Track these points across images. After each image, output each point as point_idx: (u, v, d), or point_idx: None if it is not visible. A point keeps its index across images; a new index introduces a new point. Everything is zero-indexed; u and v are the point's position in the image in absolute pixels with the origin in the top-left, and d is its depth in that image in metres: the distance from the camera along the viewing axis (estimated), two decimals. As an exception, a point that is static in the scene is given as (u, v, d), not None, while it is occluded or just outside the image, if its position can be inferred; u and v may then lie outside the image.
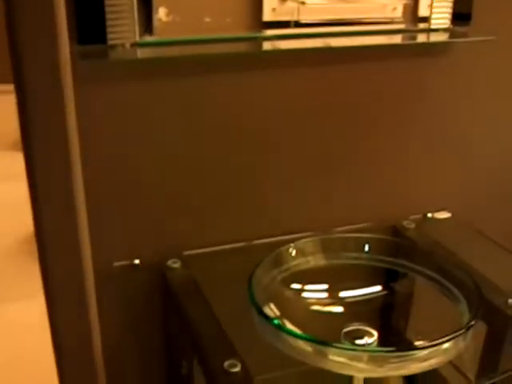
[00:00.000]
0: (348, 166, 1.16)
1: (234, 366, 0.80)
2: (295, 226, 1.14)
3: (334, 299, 1.05)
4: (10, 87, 0.92)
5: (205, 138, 1.03)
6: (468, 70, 1.18)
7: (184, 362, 1.09)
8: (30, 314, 1.89)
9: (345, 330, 0.97)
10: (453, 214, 1.25)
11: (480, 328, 0.98)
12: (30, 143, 0.90)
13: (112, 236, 1.03)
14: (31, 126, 0.89)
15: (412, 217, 1.22)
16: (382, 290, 1.08)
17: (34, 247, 1.02)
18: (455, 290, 0.97)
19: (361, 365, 0.83)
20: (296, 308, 1.03)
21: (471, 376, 0.91)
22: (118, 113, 0.96)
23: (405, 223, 1.19)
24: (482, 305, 0.89)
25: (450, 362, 1.01)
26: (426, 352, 0.82)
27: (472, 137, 1.25)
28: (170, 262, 1.04)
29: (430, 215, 1.24)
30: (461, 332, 0.83)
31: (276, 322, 0.90)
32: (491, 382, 0.89)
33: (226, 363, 0.81)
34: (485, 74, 1.20)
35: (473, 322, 0.86)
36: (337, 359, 0.84)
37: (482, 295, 0.91)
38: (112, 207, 1.01)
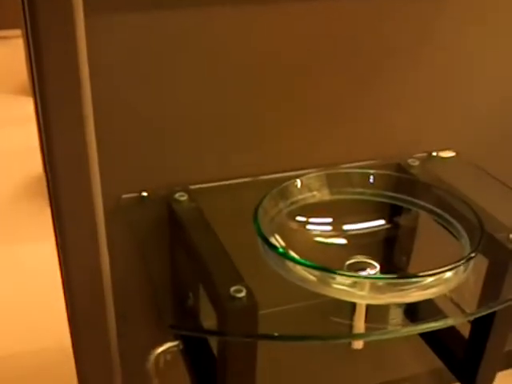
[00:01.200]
0: (354, 104, 1.16)
1: (240, 291, 0.82)
2: (301, 163, 1.16)
3: (338, 232, 1.07)
4: (13, 32, 0.92)
5: (212, 75, 1.03)
6: (471, 10, 1.17)
7: (190, 293, 1.11)
8: (40, 255, 1.92)
9: (348, 262, 0.99)
10: (457, 153, 1.26)
11: (481, 264, 0.99)
12: (41, 77, 0.90)
13: (120, 169, 1.04)
14: (44, 62, 0.90)
15: (417, 155, 1.23)
16: (386, 223, 1.10)
17: (41, 190, 1.04)
18: (458, 225, 0.98)
19: (363, 292, 0.85)
20: (301, 240, 1.05)
21: (469, 310, 0.93)
22: (128, 48, 0.96)
23: (409, 161, 1.20)
24: (483, 237, 0.90)
25: (450, 299, 1.03)
26: (427, 281, 0.85)
27: (477, 76, 1.24)
28: (177, 195, 1.05)
29: (434, 154, 1.25)
30: (462, 262, 0.85)
31: (281, 250, 0.92)
32: (490, 311, 0.91)
33: (232, 289, 0.82)
34: (487, 14, 1.19)
35: (474, 254, 0.88)
36: (340, 286, 0.86)
37: (483, 229, 0.92)
38: (121, 141, 1.02)
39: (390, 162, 1.21)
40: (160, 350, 1.09)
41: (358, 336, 0.96)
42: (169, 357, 1.11)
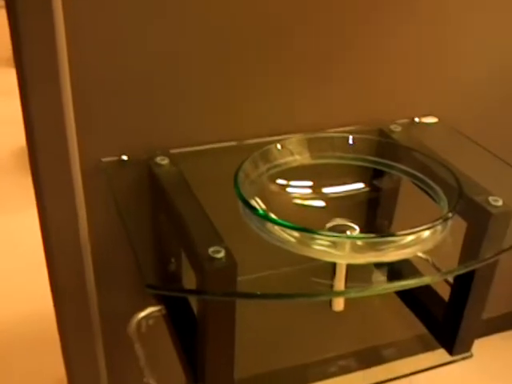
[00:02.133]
0: (336, 69, 1.16)
1: (218, 252, 0.82)
2: (283, 128, 1.15)
3: (319, 195, 1.07)
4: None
5: (191, 35, 1.02)
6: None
7: (173, 258, 1.11)
8: (28, 226, 1.91)
9: (328, 224, 1.00)
10: (440, 119, 1.26)
11: (460, 226, 1.00)
12: (16, 34, 0.90)
13: (100, 132, 1.04)
14: (19, 19, 0.89)
15: (399, 121, 1.23)
16: (366, 187, 1.10)
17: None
18: (437, 188, 0.99)
19: (343, 252, 0.86)
20: (281, 203, 1.05)
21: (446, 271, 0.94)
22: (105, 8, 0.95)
23: (392, 127, 1.20)
24: (461, 198, 0.91)
25: (431, 264, 1.04)
26: (405, 240, 0.86)
27: (460, 42, 1.24)
28: (158, 159, 1.05)
29: (417, 120, 1.25)
30: (439, 222, 0.86)
31: (261, 212, 0.92)
32: (466, 270, 0.92)
33: (211, 249, 0.82)
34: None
35: (451, 214, 0.88)
36: (320, 247, 0.86)
37: (461, 190, 0.93)
38: (100, 103, 1.02)
39: (371, 127, 1.20)
40: (142, 314, 1.09)
41: (337, 294, 0.96)
42: (151, 322, 1.12)
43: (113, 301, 1.20)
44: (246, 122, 1.12)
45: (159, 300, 1.11)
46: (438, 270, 1.09)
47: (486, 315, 1.54)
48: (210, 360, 0.90)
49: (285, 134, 1.13)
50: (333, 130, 1.17)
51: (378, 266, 1.06)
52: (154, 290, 0.80)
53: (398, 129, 1.20)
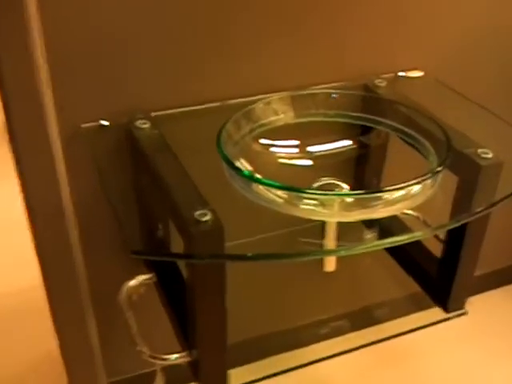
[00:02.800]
0: (319, 24, 1.13)
1: (205, 215, 0.80)
2: (267, 87, 1.13)
3: (305, 154, 1.05)
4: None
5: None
6: None
7: (160, 224, 1.09)
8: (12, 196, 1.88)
9: (316, 184, 0.98)
10: (425, 73, 1.23)
11: (451, 181, 0.98)
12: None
13: (79, 97, 1.01)
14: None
15: (384, 75, 1.20)
16: (353, 144, 1.08)
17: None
18: (425, 142, 0.97)
19: (332, 210, 0.84)
20: (267, 163, 1.03)
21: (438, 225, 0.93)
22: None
23: (376, 82, 1.18)
24: (450, 152, 0.89)
25: (422, 221, 1.02)
26: (394, 196, 0.84)
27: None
28: (138, 123, 1.02)
29: (402, 74, 1.22)
30: (428, 176, 0.84)
31: (246, 172, 0.90)
32: (456, 224, 0.90)
33: (197, 213, 0.80)
34: None
35: (440, 168, 0.86)
36: (308, 206, 0.84)
37: (450, 144, 0.91)
38: (77, 67, 0.98)
39: (356, 83, 1.18)
40: (132, 282, 1.08)
41: (327, 252, 0.95)
42: (143, 289, 1.10)
43: (103, 269, 1.19)
44: (228, 82, 1.10)
45: (150, 267, 1.10)
46: (430, 226, 1.07)
47: (478, 272, 1.56)
48: (201, 326, 0.89)
49: (270, 93, 1.10)
50: (318, 88, 1.14)
51: (369, 225, 1.04)
52: (138, 255, 0.77)
53: (383, 83, 1.17)
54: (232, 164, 0.88)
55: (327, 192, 0.92)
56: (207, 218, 0.80)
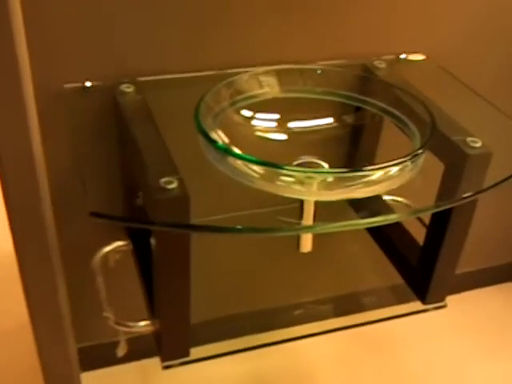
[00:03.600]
0: (321, 0, 1.09)
1: (171, 182, 0.78)
2: (262, 60, 1.09)
3: (287, 130, 1.03)
4: None
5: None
6: None
7: (140, 192, 1.07)
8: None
9: (296, 162, 0.95)
10: (428, 57, 1.19)
11: (438, 167, 0.95)
12: None
13: (63, 57, 0.99)
14: None
15: (384, 57, 1.17)
16: (337, 123, 1.05)
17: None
18: (411, 125, 0.94)
19: (311, 188, 0.82)
20: (246, 137, 1.00)
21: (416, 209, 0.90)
22: None
23: (376, 63, 1.14)
24: (433, 135, 0.86)
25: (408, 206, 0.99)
26: (374, 176, 0.83)
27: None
28: (123, 87, 1.00)
29: (403, 56, 1.18)
30: (408, 158, 0.81)
31: (221, 144, 0.87)
32: (437, 209, 0.89)
33: (163, 180, 0.78)
34: None
35: (421, 151, 0.84)
36: (286, 184, 0.82)
37: (435, 127, 0.88)
38: (64, 25, 0.96)
39: (355, 62, 1.15)
40: (107, 249, 1.07)
41: (301, 229, 0.92)
42: (118, 256, 1.09)
43: (78, 235, 1.17)
44: (220, 52, 1.07)
45: (128, 236, 1.09)
46: (408, 205, 1.04)
47: (461, 270, 1.53)
48: (162, 295, 0.88)
49: (262, 66, 1.07)
50: (315, 65, 1.11)
51: (356, 209, 1.01)
52: (99, 218, 0.76)
53: (383, 65, 1.14)
54: (206, 135, 0.86)
55: (306, 169, 0.89)
56: (173, 185, 0.78)
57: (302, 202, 0.93)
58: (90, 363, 1.37)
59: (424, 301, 1.04)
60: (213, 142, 0.86)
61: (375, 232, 1.15)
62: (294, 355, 1.46)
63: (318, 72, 1.03)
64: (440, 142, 0.93)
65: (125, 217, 0.90)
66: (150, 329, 0.97)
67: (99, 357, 1.36)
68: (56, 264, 1.07)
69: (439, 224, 0.97)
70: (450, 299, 1.14)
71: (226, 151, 0.87)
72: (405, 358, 1.49)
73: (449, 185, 0.94)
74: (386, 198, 1.05)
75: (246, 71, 1.02)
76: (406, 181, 0.86)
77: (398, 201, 1.03)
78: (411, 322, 1.48)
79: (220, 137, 0.91)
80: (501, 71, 1.31)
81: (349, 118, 1.05)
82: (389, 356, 1.49)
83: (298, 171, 0.87)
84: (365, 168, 0.85)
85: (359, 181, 0.85)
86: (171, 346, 0.93)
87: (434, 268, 1.00)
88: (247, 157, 0.86)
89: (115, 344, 1.11)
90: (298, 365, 1.45)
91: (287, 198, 0.87)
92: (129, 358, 1.39)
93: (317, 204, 0.93)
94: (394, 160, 0.83)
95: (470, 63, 1.25)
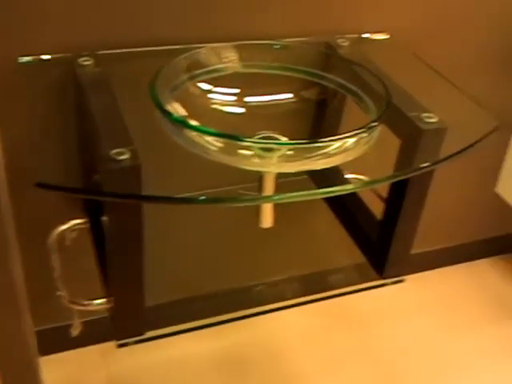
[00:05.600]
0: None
1: (122, 154, 0.78)
2: (223, 36, 1.09)
3: (246, 105, 1.02)
4: None
5: None
6: None
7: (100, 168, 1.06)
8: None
9: (256, 137, 0.95)
10: (391, 36, 1.20)
11: (393, 142, 0.95)
12: None
13: (19, 28, 0.96)
14: None
15: (348, 35, 1.17)
16: (296, 98, 1.05)
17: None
18: (368, 100, 0.94)
19: (270, 160, 0.84)
20: (205, 111, 1.00)
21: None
22: None
23: (339, 41, 1.14)
24: (388, 108, 0.87)
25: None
26: (331, 147, 0.84)
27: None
28: (81, 60, 0.99)
29: (367, 35, 1.18)
30: (363, 130, 0.83)
31: (177, 117, 0.87)
32: (391, 180, 0.92)
33: (114, 151, 0.78)
34: None
35: (375, 123, 0.84)
36: (245, 157, 0.83)
37: (390, 101, 0.88)
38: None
39: (318, 40, 1.15)
40: (64, 226, 1.06)
41: (257, 199, 0.92)
42: (74, 234, 1.08)
43: (35, 213, 1.16)
44: (183, 26, 1.06)
45: (85, 213, 1.08)
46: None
47: (423, 249, 1.54)
48: (115, 270, 0.87)
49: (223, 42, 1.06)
50: (276, 41, 1.11)
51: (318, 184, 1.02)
52: (45, 189, 0.75)
53: (346, 43, 1.14)
54: (162, 107, 0.85)
55: (266, 141, 0.89)
56: (125, 156, 0.77)
57: (261, 177, 0.93)
58: (50, 347, 1.35)
59: (382, 275, 1.04)
60: (168, 114, 0.85)
61: (337, 209, 1.15)
62: (262, 332, 1.47)
63: (276, 47, 1.03)
64: (396, 117, 0.94)
65: (73, 188, 0.89)
66: (105, 307, 0.96)
67: (59, 340, 1.34)
68: (11, 243, 1.05)
69: (396, 198, 0.98)
70: (413, 278, 1.16)
71: (182, 123, 0.86)
72: (371, 334, 1.50)
73: (405, 159, 0.95)
74: (347, 176, 1.06)
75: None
76: (362, 153, 0.87)
77: (358, 179, 1.03)
78: (376, 299, 1.51)
79: (177, 110, 0.90)
80: (463, 49, 1.31)
81: (308, 94, 1.05)
82: (356, 332, 1.50)
83: (257, 142, 0.87)
84: (322, 139, 0.86)
85: (317, 152, 0.86)
86: (125, 323, 0.92)
87: (391, 242, 1.01)
88: (205, 129, 0.86)
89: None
90: (266, 341, 1.46)
91: (247, 175, 0.87)
92: (89, 340, 1.38)
93: (277, 180, 0.93)
94: (350, 132, 0.83)
95: (432, 42, 1.26)
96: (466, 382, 1.41)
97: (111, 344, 0.96)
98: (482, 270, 1.73)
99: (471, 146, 0.90)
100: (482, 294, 1.65)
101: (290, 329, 1.50)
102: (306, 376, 1.40)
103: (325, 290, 1.10)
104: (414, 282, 1.28)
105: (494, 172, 1.55)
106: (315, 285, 1.13)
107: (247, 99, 1.02)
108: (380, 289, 1.09)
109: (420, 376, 1.42)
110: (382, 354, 1.47)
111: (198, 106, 1.00)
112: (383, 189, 1.03)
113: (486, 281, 1.70)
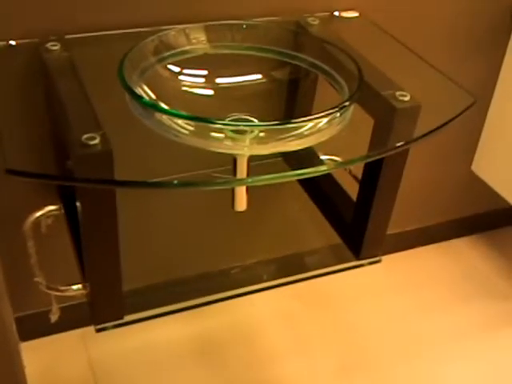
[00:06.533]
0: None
1: (93, 138, 0.76)
2: (191, 17, 1.07)
3: (217, 86, 1.01)
4: None
5: None
6: None
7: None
8: None
9: (227, 119, 0.94)
10: (361, 14, 1.19)
11: (367, 122, 0.95)
12: None
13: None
14: None
15: (318, 14, 1.16)
16: (266, 78, 1.04)
17: None
18: (340, 79, 0.94)
19: (243, 143, 0.83)
20: (176, 94, 0.99)
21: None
22: None
23: (309, 20, 1.13)
24: (360, 87, 0.86)
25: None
26: (303, 128, 0.83)
27: None
28: (48, 45, 0.98)
29: (336, 14, 1.18)
30: (335, 110, 0.81)
31: (147, 100, 0.85)
32: (364, 161, 0.91)
33: (85, 136, 0.77)
34: None
35: (347, 103, 0.84)
36: (218, 140, 0.82)
37: (362, 80, 0.88)
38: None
39: (288, 19, 1.13)
40: (39, 213, 1.05)
41: (230, 182, 0.91)
42: (49, 221, 1.07)
43: (9, 200, 1.14)
44: (150, 8, 1.04)
45: (59, 199, 1.07)
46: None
47: (397, 230, 1.55)
48: (91, 255, 0.86)
49: (193, 23, 1.05)
50: (244, 20, 1.09)
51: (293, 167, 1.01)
52: (15, 175, 0.74)
53: (316, 22, 1.13)
54: (131, 91, 0.84)
55: (237, 123, 0.88)
56: (95, 141, 0.76)
57: (234, 160, 0.92)
58: (30, 333, 1.35)
59: (358, 256, 1.04)
60: (138, 97, 0.84)
61: (312, 191, 1.15)
62: (239, 314, 1.47)
63: (244, 27, 1.02)
64: (370, 96, 0.93)
65: (45, 174, 0.88)
66: (83, 292, 0.96)
67: (38, 326, 1.34)
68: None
69: (371, 178, 0.97)
70: (387, 258, 1.16)
71: (152, 107, 0.85)
72: (347, 314, 1.51)
73: (379, 138, 0.94)
74: (321, 157, 1.05)
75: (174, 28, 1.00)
76: (336, 133, 0.86)
77: (332, 160, 1.03)
78: (351, 280, 1.51)
79: (147, 93, 0.89)
80: (434, 26, 1.31)
81: (280, 74, 1.05)
82: (331, 313, 1.51)
83: (229, 125, 0.86)
84: (294, 120, 0.85)
85: (290, 134, 0.85)
86: (103, 308, 0.91)
87: (367, 222, 1.01)
88: (175, 112, 0.85)
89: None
90: (243, 323, 1.46)
91: (220, 158, 0.86)
92: (69, 326, 1.37)
93: (250, 163, 0.92)
94: (322, 112, 0.82)
95: (402, 19, 1.25)
96: (439, 360, 1.42)
97: (90, 329, 0.95)
98: (458, 250, 1.74)
99: (447, 123, 0.90)
100: (456, 273, 1.66)
101: (267, 311, 1.50)
102: (281, 357, 1.40)
103: (301, 272, 1.09)
104: (390, 263, 1.29)
105: (469, 150, 1.55)
106: (291, 267, 1.13)
107: (218, 81, 1.01)
108: (356, 269, 1.09)
109: (394, 355, 1.43)
110: (357, 334, 1.47)
111: (168, 88, 0.98)
112: (358, 170, 1.03)
113: (461, 260, 1.71)
